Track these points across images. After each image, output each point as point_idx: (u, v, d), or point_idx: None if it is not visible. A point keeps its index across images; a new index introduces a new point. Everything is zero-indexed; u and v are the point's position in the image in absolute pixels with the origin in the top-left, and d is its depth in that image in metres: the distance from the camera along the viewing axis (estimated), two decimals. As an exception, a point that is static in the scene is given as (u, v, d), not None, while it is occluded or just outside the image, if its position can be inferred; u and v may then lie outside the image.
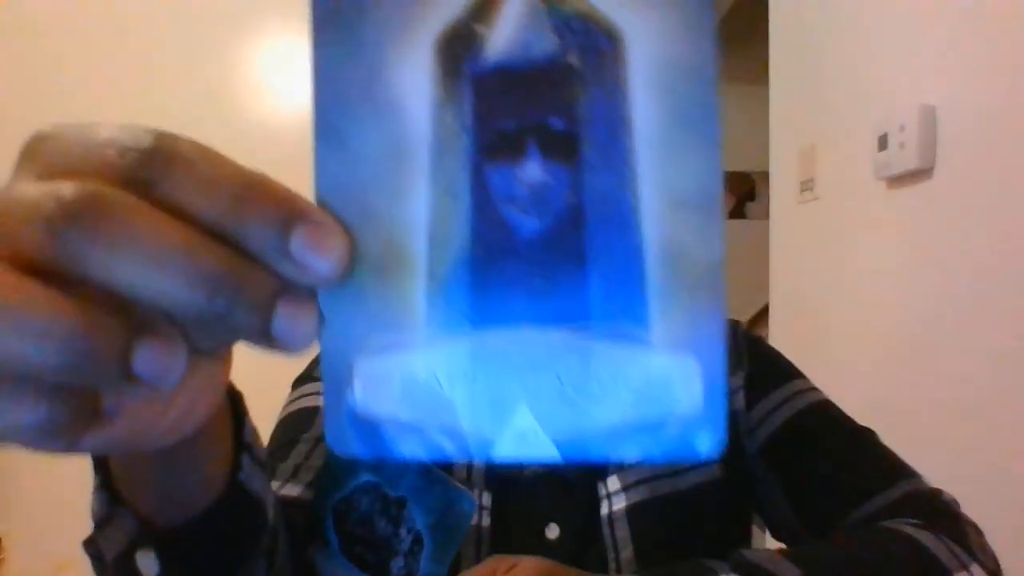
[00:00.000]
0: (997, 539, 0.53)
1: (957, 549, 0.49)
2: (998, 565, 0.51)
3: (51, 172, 0.18)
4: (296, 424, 0.60)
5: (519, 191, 0.20)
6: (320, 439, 0.58)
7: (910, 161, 1.10)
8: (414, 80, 0.20)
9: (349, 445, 0.21)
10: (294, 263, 0.19)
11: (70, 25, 1.97)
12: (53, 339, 0.17)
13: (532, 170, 0.20)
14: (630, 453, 0.20)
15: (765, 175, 1.86)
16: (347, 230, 0.20)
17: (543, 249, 0.20)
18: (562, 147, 0.20)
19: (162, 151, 0.18)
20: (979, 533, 0.52)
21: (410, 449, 0.21)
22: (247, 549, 0.34)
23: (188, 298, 0.18)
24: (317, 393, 0.62)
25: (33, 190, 0.18)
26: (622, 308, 0.20)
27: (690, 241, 0.20)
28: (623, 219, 0.20)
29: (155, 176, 0.18)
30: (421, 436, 0.21)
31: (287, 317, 0.19)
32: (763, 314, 2.03)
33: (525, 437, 0.20)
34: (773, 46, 1.72)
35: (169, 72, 1.98)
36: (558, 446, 0.21)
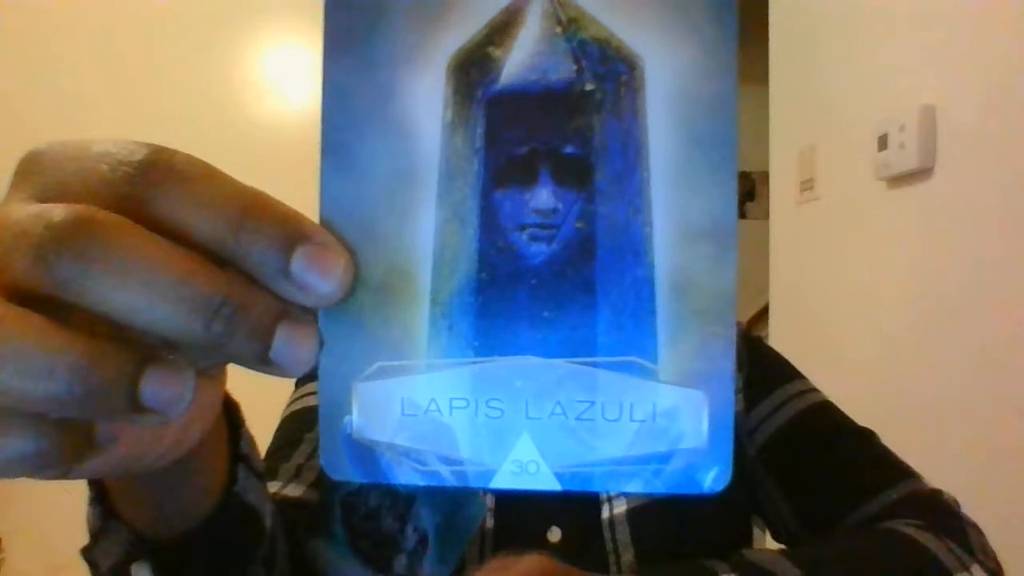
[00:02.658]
0: (998, 539, 0.53)
1: (958, 549, 0.48)
2: (999, 565, 0.51)
3: (44, 191, 0.18)
4: (299, 423, 0.60)
5: (529, 217, 0.20)
6: None
7: (910, 161, 1.10)
8: (426, 101, 0.20)
9: (344, 469, 0.21)
10: (295, 284, 0.18)
11: (71, 25, 1.97)
12: (59, 374, 0.16)
13: (543, 196, 0.20)
14: (633, 486, 0.20)
15: (765, 175, 1.86)
16: (350, 250, 0.20)
17: (551, 277, 0.20)
18: (575, 174, 0.20)
19: (157, 166, 0.18)
20: (980, 533, 0.52)
21: (407, 476, 0.21)
22: (244, 560, 0.34)
23: (185, 324, 0.17)
24: None
25: (23, 215, 0.17)
26: (630, 339, 0.20)
27: (702, 273, 0.20)
28: (634, 249, 0.20)
29: (150, 192, 0.18)
30: (419, 463, 0.20)
31: (286, 341, 0.18)
32: (763, 314, 2.03)
33: (526, 467, 0.20)
34: (773, 46, 1.72)
35: (170, 72, 1.98)
36: (559, 477, 0.20)
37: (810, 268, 1.55)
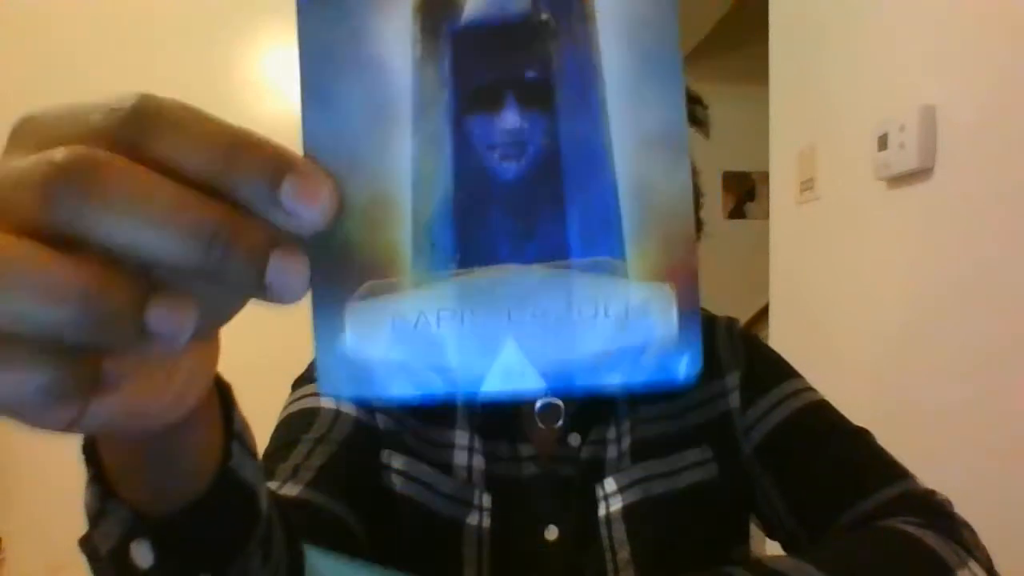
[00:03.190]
0: (997, 539, 0.53)
1: (956, 547, 0.49)
2: (992, 563, 0.51)
3: (40, 146, 0.19)
4: (296, 425, 0.60)
5: (498, 138, 0.22)
6: (320, 440, 0.58)
7: (910, 161, 1.10)
8: (395, 39, 0.22)
9: (340, 387, 0.22)
10: (284, 212, 0.20)
11: (70, 24, 1.97)
12: (69, 301, 0.17)
13: (510, 118, 0.22)
14: (613, 380, 0.21)
15: (765, 175, 1.86)
16: (334, 178, 0.21)
17: (523, 191, 0.22)
18: (537, 96, 0.22)
19: (147, 111, 0.19)
20: (973, 533, 0.53)
21: (400, 388, 0.22)
22: (241, 538, 0.34)
23: (184, 252, 0.18)
24: (317, 394, 0.62)
25: (25, 161, 0.18)
26: (599, 242, 0.22)
27: (659, 177, 0.21)
28: (597, 160, 0.22)
29: (142, 135, 0.19)
30: (411, 374, 0.22)
31: (280, 266, 0.19)
32: (763, 314, 2.03)
33: (512, 370, 0.22)
34: (773, 46, 1.72)
35: (170, 72, 1.99)
36: (544, 377, 0.22)
37: (810, 268, 1.55)
